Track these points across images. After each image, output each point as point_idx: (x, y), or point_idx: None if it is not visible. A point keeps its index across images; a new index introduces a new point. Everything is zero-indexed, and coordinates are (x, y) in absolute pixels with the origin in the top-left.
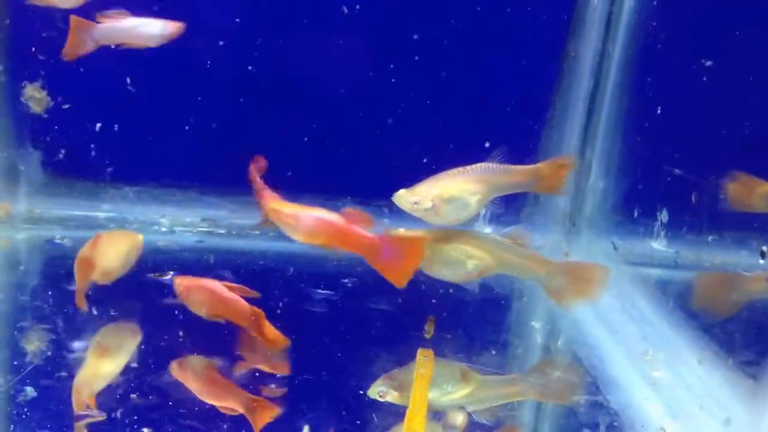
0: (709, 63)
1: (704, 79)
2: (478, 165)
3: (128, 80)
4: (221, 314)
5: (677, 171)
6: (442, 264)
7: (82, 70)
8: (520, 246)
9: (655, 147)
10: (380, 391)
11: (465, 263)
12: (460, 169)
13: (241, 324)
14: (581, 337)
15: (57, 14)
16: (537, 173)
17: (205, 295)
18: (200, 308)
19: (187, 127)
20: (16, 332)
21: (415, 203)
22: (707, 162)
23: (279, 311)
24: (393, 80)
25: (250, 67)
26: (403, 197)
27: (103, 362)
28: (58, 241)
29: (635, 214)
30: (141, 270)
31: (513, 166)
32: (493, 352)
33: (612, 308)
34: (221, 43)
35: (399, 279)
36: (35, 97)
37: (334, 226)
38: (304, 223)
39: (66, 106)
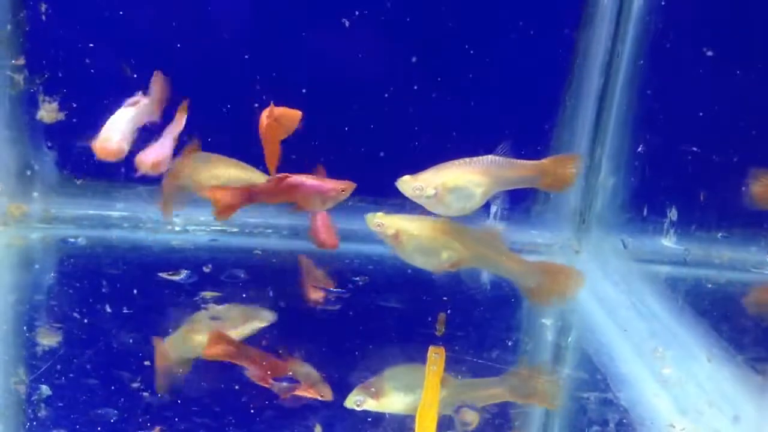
0: (718, 60)
1: (714, 76)
2: (484, 157)
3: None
4: None
5: (694, 149)
6: (416, 251)
7: (95, 69)
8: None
9: (665, 144)
10: (357, 400)
11: (440, 253)
12: (466, 159)
13: None
14: (591, 334)
15: (75, 17)
16: (541, 169)
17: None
18: None
19: (199, 127)
20: (31, 331)
21: (418, 190)
22: (717, 159)
23: (290, 310)
24: (404, 79)
25: (261, 67)
26: (406, 183)
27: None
28: (72, 240)
29: (645, 212)
30: (155, 269)
31: (518, 161)
32: (504, 350)
33: (622, 305)
34: (232, 44)
35: None
36: (46, 108)
37: None
38: None
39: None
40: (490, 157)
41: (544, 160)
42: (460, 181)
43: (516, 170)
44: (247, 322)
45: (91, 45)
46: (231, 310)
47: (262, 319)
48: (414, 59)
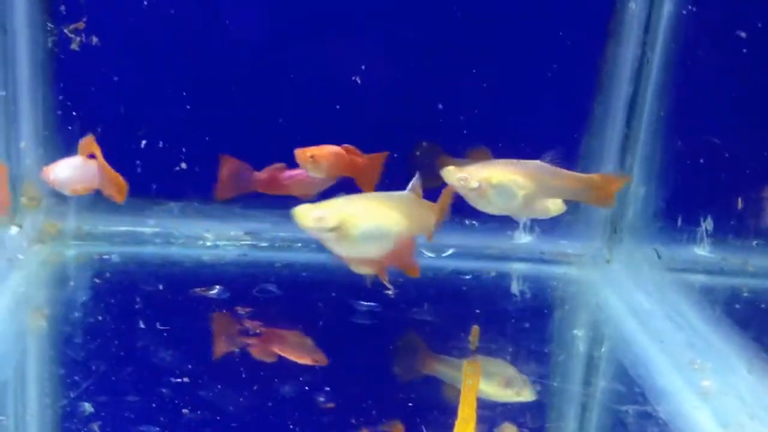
0: (750, 66)
1: (746, 82)
2: (533, 161)
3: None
4: None
5: (727, 156)
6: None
7: (125, 86)
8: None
9: (697, 152)
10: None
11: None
12: (514, 160)
13: None
14: (625, 345)
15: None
16: (590, 183)
17: None
18: None
19: (229, 143)
20: (68, 349)
21: (462, 180)
22: (751, 166)
23: (323, 324)
24: (432, 89)
25: (289, 85)
26: (451, 173)
27: None
28: (106, 257)
29: (678, 220)
30: (186, 285)
31: (566, 171)
32: (538, 362)
33: (656, 316)
34: (259, 61)
35: None
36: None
37: None
38: None
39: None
40: (538, 162)
41: (593, 175)
42: (504, 178)
43: (563, 180)
44: (507, 387)
45: None
46: (495, 365)
47: (521, 394)
48: (444, 69)
